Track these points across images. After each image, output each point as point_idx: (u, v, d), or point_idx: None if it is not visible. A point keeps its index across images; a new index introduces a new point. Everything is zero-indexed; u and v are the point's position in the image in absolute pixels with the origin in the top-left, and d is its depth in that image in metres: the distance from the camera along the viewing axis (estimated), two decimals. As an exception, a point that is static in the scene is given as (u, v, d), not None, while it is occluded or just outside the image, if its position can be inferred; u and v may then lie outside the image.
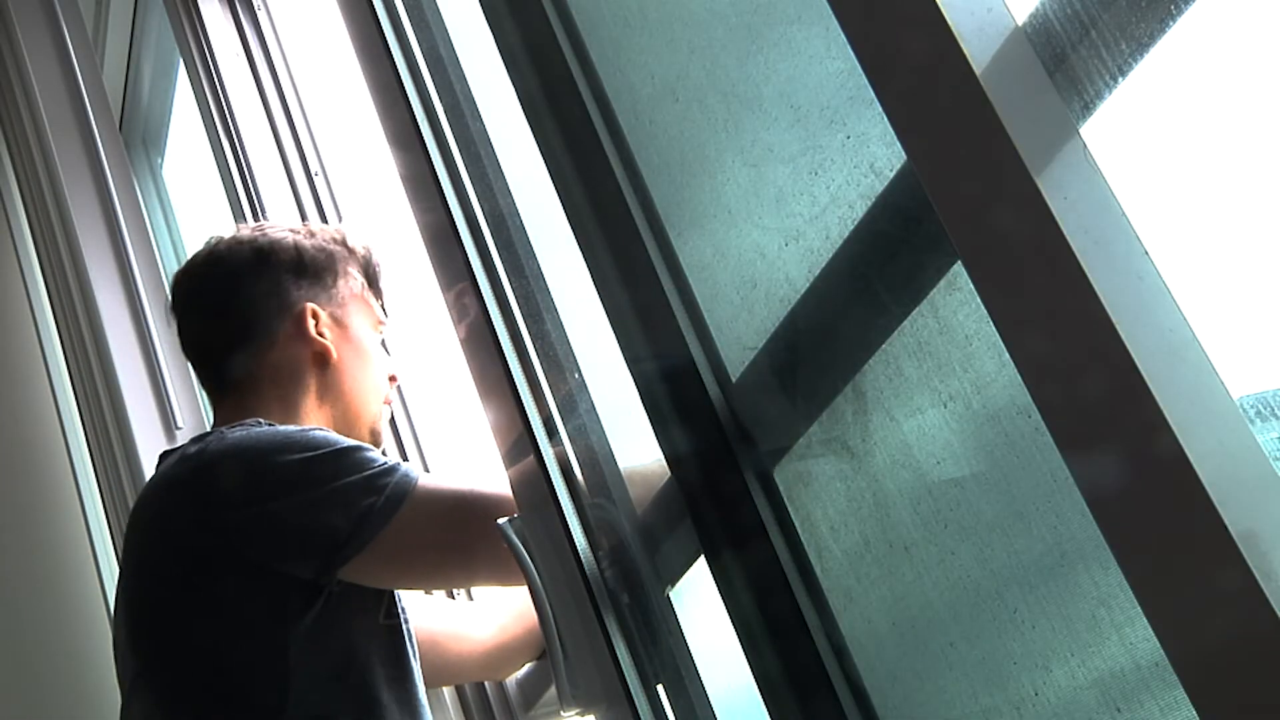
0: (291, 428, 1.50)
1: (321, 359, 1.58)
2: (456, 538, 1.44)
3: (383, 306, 1.67)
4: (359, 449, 1.45)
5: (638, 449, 1.17)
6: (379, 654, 1.45)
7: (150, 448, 2.26)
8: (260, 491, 1.42)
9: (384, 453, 1.50)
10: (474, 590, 1.86)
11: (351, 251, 1.65)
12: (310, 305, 1.58)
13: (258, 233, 1.64)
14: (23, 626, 2.88)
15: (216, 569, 1.42)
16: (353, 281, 1.63)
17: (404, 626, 1.50)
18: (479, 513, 1.40)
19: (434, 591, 1.85)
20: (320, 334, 1.57)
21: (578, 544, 1.17)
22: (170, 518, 1.48)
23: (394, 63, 1.38)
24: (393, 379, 1.67)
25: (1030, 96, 0.73)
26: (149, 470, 1.94)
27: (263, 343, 1.57)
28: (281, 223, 1.74)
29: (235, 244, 1.63)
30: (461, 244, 1.29)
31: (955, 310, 0.84)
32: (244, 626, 1.42)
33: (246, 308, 1.58)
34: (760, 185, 1.00)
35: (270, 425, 1.50)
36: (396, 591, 1.51)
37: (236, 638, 1.42)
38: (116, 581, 1.56)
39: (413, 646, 1.50)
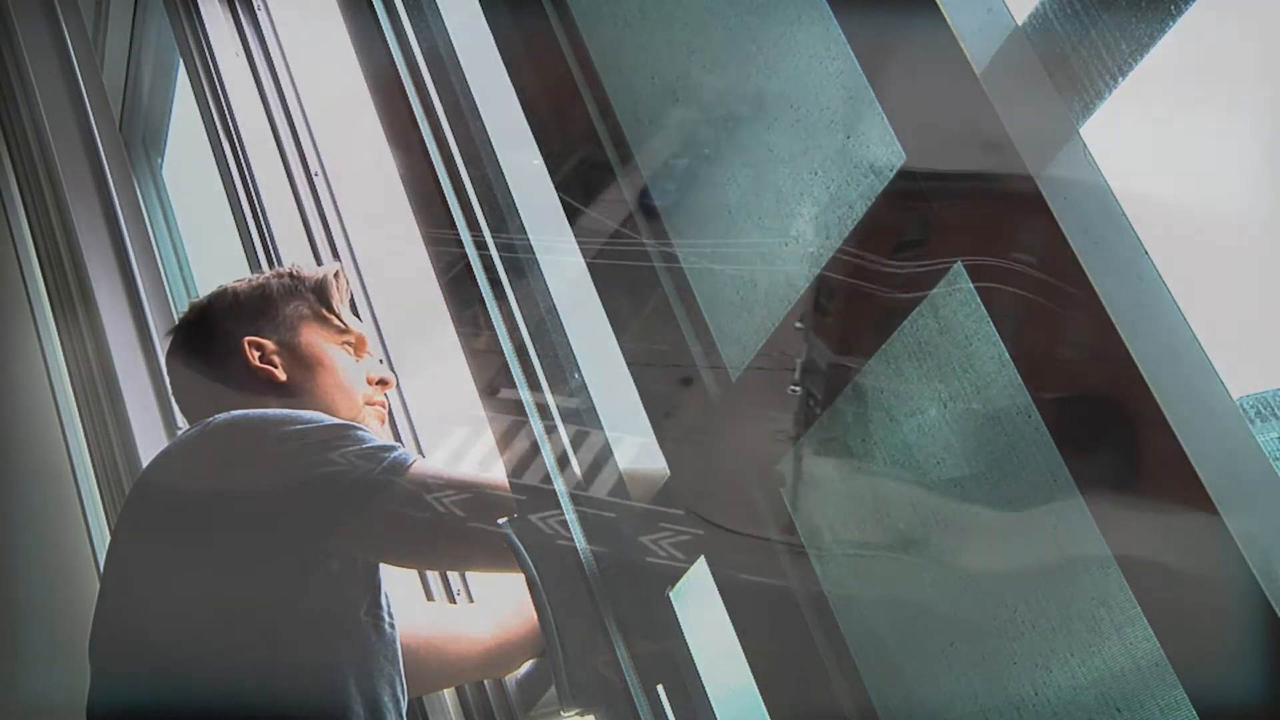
0: (291, 410, 1.53)
1: (275, 384, 1.63)
2: (451, 518, 1.45)
3: (341, 320, 1.70)
4: (358, 427, 1.48)
5: (638, 449, 1.17)
6: (351, 646, 1.45)
7: (150, 448, 2.26)
8: (260, 457, 1.45)
9: None
10: (474, 591, 1.86)
11: (299, 279, 1.72)
12: (248, 338, 1.65)
13: (204, 297, 1.75)
14: (22, 626, 2.88)
15: (217, 534, 1.44)
16: (301, 306, 1.70)
17: (386, 628, 1.50)
18: (475, 498, 1.42)
19: (432, 596, 1.85)
20: (267, 362, 1.65)
21: (578, 544, 1.17)
22: (177, 484, 1.51)
23: (394, 63, 1.38)
24: (385, 383, 1.69)
25: (1030, 96, 0.73)
26: (149, 470, 1.94)
27: (224, 384, 1.65)
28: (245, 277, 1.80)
29: (187, 313, 1.75)
30: (461, 244, 1.29)
31: (955, 310, 0.83)
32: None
33: (206, 359, 1.69)
34: (760, 185, 1.00)
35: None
36: (385, 592, 1.51)
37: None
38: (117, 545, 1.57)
39: (391, 648, 1.50)
